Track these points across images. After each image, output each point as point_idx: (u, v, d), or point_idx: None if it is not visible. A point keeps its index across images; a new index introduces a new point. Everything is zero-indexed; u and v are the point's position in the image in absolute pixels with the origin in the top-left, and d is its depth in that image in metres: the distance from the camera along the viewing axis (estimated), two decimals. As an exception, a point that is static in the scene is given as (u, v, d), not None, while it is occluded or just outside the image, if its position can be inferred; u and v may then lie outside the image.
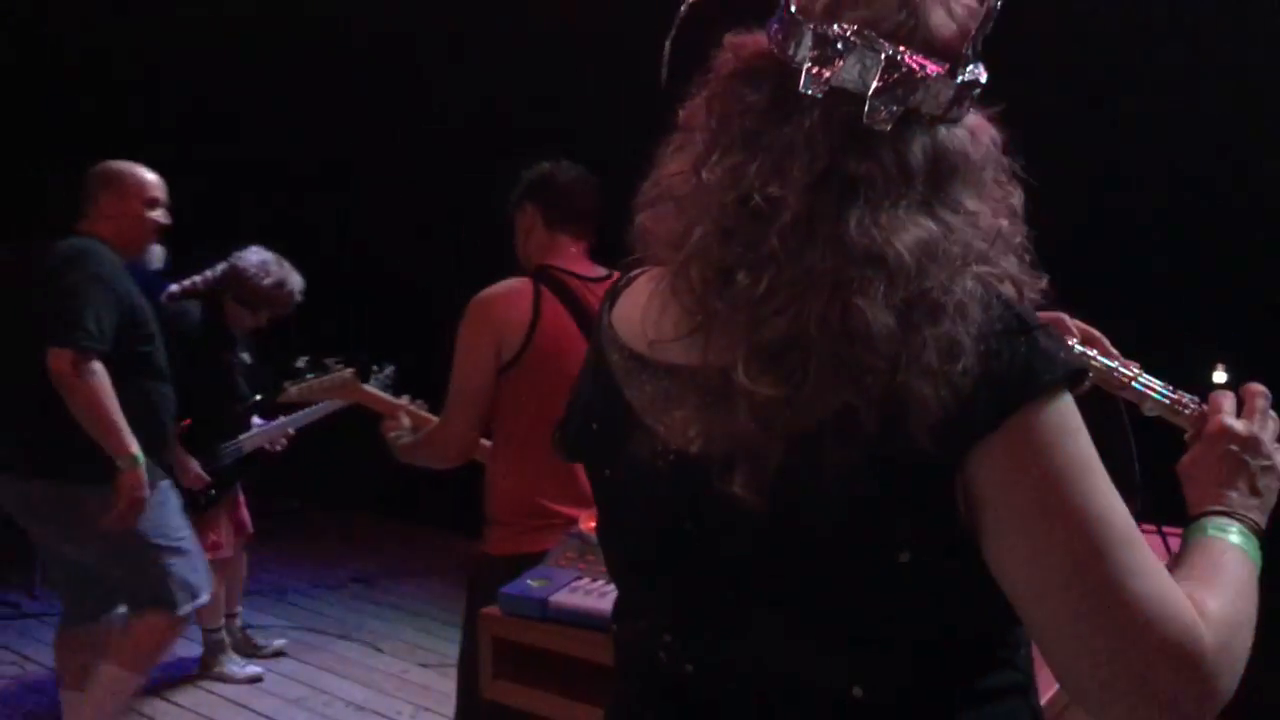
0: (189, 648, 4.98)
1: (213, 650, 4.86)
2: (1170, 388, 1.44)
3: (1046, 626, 1.03)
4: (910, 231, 1.03)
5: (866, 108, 1.05)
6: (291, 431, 4.71)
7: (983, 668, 1.15)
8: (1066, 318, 1.41)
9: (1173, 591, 1.03)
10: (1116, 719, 1.03)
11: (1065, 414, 1.04)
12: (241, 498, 4.92)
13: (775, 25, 1.11)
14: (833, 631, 1.11)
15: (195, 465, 4.49)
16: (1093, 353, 1.43)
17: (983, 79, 1.10)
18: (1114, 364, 1.44)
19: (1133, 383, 1.44)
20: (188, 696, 4.70)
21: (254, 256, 4.60)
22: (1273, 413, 1.35)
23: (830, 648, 1.11)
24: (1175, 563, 1.19)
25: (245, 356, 4.75)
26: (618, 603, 1.35)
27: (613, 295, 1.30)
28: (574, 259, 2.94)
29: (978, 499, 1.03)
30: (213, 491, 4.55)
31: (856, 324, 1.01)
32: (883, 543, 1.05)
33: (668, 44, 1.16)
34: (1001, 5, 1.09)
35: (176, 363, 4.20)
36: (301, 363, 3.47)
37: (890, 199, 1.04)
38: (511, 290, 2.84)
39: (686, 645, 1.20)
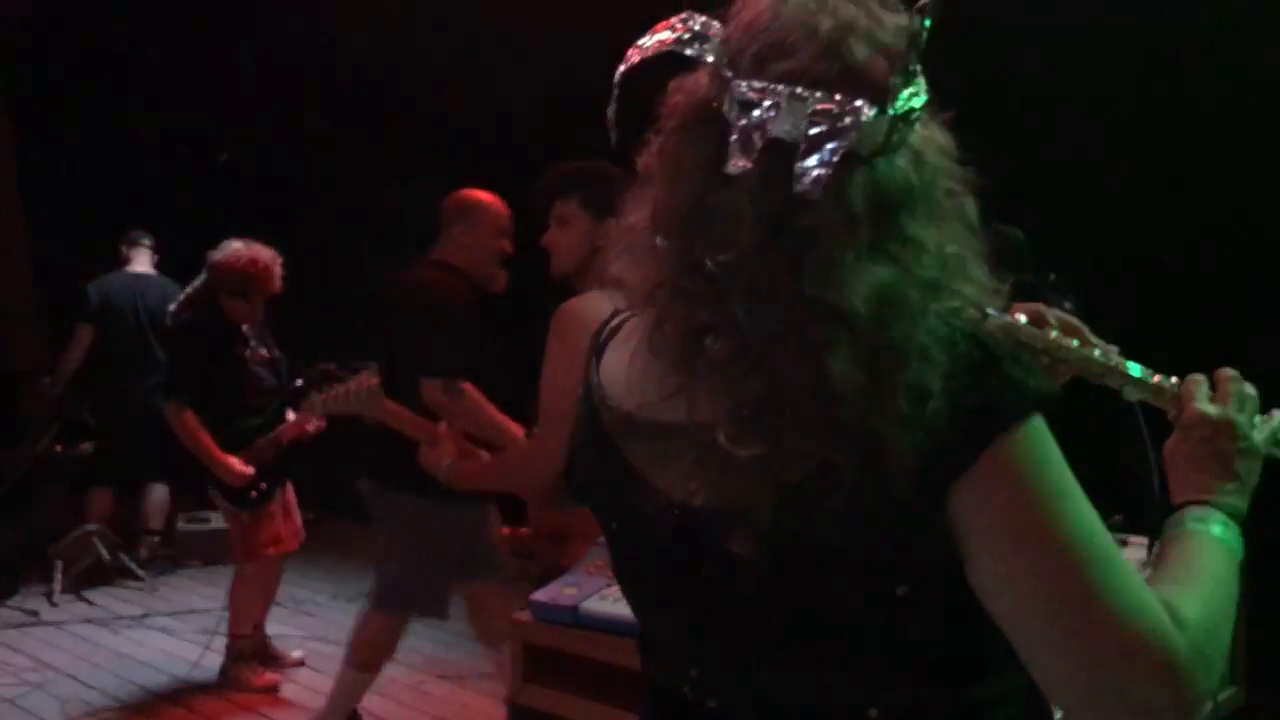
0: (209, 655, 5.02)
1: (235, 657, 4.89)
2: (1150, 371, 1.44)
3: (1028, 646, 1.07)
4: (864, 282, 1.03)
5: (798, 173, 1.02)
6: (323, 423, 4.80)
7: (992, 675, 1.18)
8: (1043, 308, 1.41)
9: (1148, 605, 1.05)
10: None
11: (1037, 441, 1.06)
12: (294, 500, 5.01)
13: (710, 77, 1.10)
14: (843, 661, 1.15)
15: (236, 462, 4.60)
16: (1073, 342, 1.42)
17: (919, 102, 1.08)
18: (1094, 352, 1.43)
19: (1112, 367, 1.44)
20: (205, 704, 4.74)
21: (223, 248, 4.75)
22: (1250, 389, 1.36)
23: (843, 676, 1.16)
24: (1156, 559, 1.23)
25: (263, 351, 4.87)
26: (642, 637, 1.37)
27: (598, 351, 1.32)
28: None
29: (959, 530, 1.06)
30: (263, 486, 4.67)
31: (826, 383, 1.03)
32: (879, 579, 1.09)
33: (610, 110, 1.17)
34: (930, 20, 1.06)
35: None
36: (330, 365, 3.45)
37: (839, 248, 1.04)
38: (604, 299, 2.77)
39: (708, 680, 1.24)
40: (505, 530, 3.03)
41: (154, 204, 6.94)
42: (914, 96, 1.07)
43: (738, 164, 1.04)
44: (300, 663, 5.13)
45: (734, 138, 1.05)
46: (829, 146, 1.03)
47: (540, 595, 2.24)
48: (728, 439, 1.06)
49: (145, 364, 6.32)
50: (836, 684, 1.16)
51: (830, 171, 1.02)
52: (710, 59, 1.11)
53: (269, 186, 7.26)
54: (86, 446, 6.56)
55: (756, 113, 1.05)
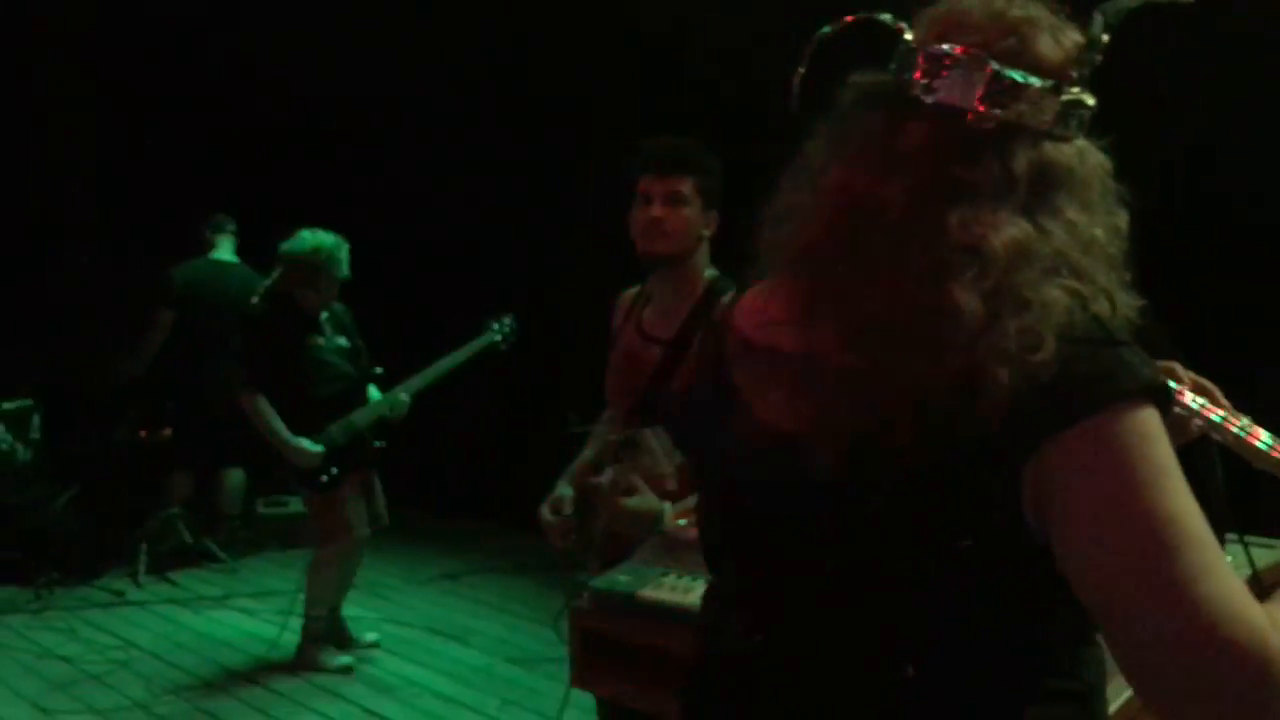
0: (287, 635, 5.13)
1: (311, 639, 5.00)
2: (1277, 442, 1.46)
3: (1114, 618, 1.05)
4: (1007, 230, 1.09)
5: (970, 108, 1.12)
6: (405, 398, 4.90)
7: (1041, 669, 1.19)
8: (1179, 367, 1.45)
9: (1243, 596, 1.03)
10: (1177, 713, 1.04)
11: (1146, 421, 1.07)
12: (379, 487, 5.08)
13: (896, 52, 1.19)
14: (893, 611, 1.16)
15: (306, 444, 4.70)
16: (1202, 402, 1.45)
17: (1090, 103, 1.16)
18: (1223, 416, 1.46)
19: (1242, 436, 1.45)
20: (283, 683, 4.86)
21: (292, 239, 4.83)
22: None
23: (889, 626, 1.17)
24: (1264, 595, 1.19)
25: (340, 339, 4.94)
26: (707, 569, 1.42)
27: (737, 293, 1.40)
28: None
29: (1049, 494, 1.06)
30: (334, 470, 4.75)
31: (945, 303, 1.07)
32: (945, 526, 1.10)
33: (798, 74, 1.24)
34: (1109, 40, 1.15)
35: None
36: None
37: (993, 203, 1.10)
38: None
39: (758, 616, 1.27)
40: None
41: (240, 190, 7.06)
42: (1084, 94, 1.15)
43: (917, 102, 1.14)
44: (374, 645, 5.23)
45: (917, 77, 1.15)
46: (1001, 101, 1.12)
47: (597, 582, 2.28)
48: (836, 350, 1.12)
49: (224, 351, 6.43)
50: (882, 634, 1.17)
51: (999, 134, 1.12)
52: (899, 30, 1.19)
53: (364, 171, 7.34)
54: (167, 431, 6.72)
55: (937, 65, 1.14)
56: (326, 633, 5.05)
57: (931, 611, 1.15)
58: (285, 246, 4.82)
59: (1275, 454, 1.45)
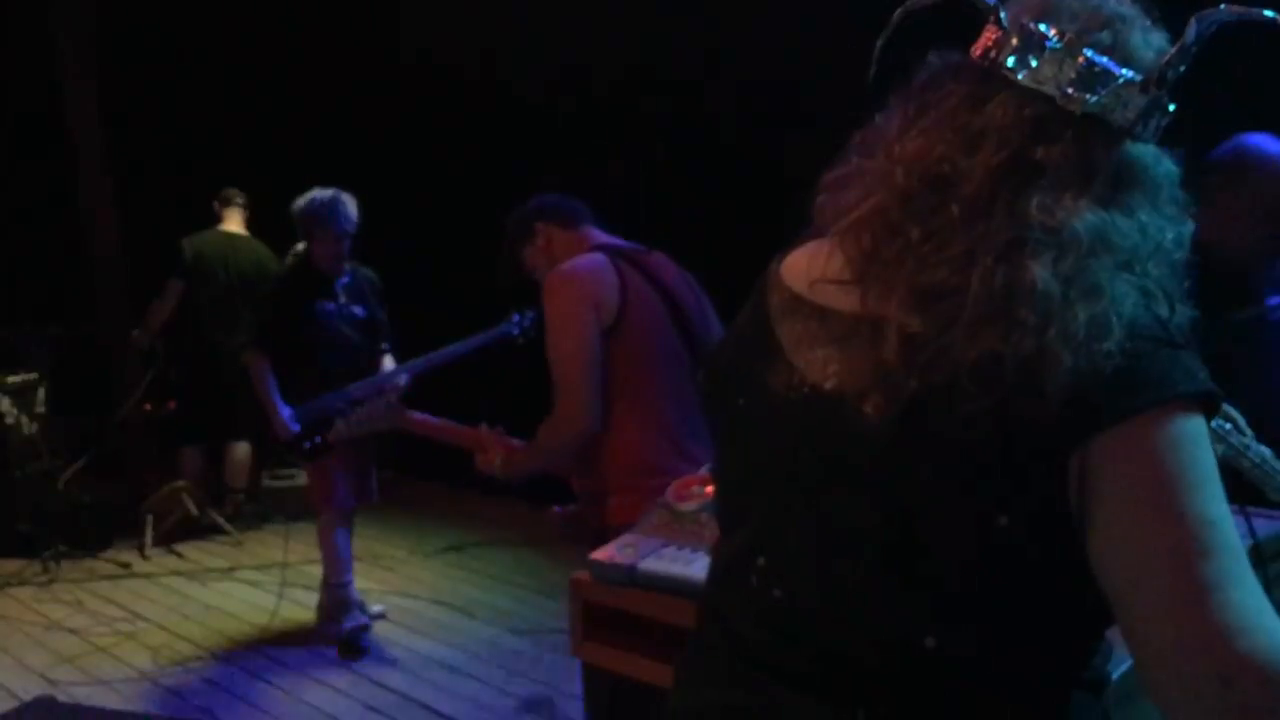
0: (286, 605, 5.15)
1: (332, 607, 4.96)
2: None
3: (1138, 615, 1.05)
4: (1087, 218, 1.09)
5: (1058, 92, 1.13)
6: (404, 379, 4.69)
7: (1059, 655, 1.18)
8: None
9: (1267, 610, 1.03)
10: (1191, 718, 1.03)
11: (1196, 425, 1.07)
12: (373, 462, 5.02)
13: (989, 28, 1.19)
14: (918, 580, 1.15)
15: (286, 416, 4.67)
16: (1227, 428, 1.47)
17: (1170, 109, 1.17)
18: (1244, 445, 1.48)
19: (1262, 465, 1.47)
20: (289, 654, 4.88)
21: None
22: None
23: (912, 595, 1.15)
24: None
25: (356, 309, 4.88)
26: (720, 522, 1.42)
27: (784, 252, 1.39)
28: (607, 240, 3.04)
29: (1093, 485, 1.06)
30: (317, 439, 4.65)
31: (1021, 279, 1.07)
32: (985, 501, 1.09)
33: (879, 45, 1.25)
34: (1196, 51, 1.15)
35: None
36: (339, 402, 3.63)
37: (1071, 190, 1.11)
38: (591, 259, 2.90)
39: (778, 571, 1.26)
40: (558, 510, 3.06)
41: (250, 162, 7.04)
42: (1168, 99, 1.16)
43: (1006, 76, 1.15)
44: (381, 616, 5.25)
45: (1013, 48, 1.16)
46: (1091, 86, 1.13)
47: (599, 554, 2.27)
48: (901, 312, 1.12)
49: (232, 323, 6.45)
50: (905, 601, 1.16)
51: (1083, 124, 1.13)
52: (995, 10, 1.20)
53: (409, 150, 7.30)
54: (173, 404, 6.73)
55: (1033, 41, 1.15)
56: (344, 601, 4.99)
57: (958, 585, 1.14)
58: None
59: None
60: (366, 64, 7.04)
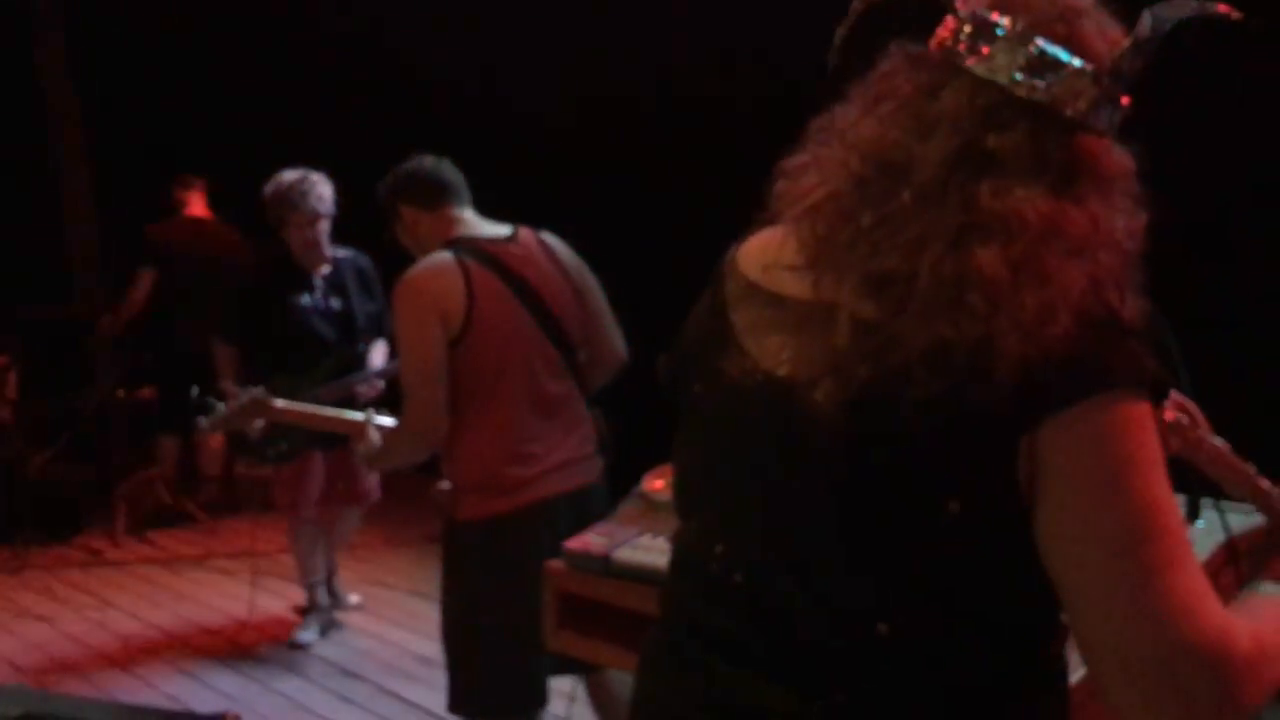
0: (262, 595, 5.13)
1: (308, 608, 4.95)
2: (1255, 470, 1.47)
3: (1081, 598, 1.07)
4: (1038, 205, 1.10)
5: (1009, 80, 1.13)
6: (381, 385, 4.44)
7: (1017, 643, 1.19)
8: (1173, 392, 1.47)
9: (1207, 594, 1.06)
10: (1133, 703, 1.05)
11: (1144, 412, 1.09)
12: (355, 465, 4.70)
13: (944, 23, 1.20)
14: (873, 566, 1.16)
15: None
16: (1184, 419, 1.48)
17: (1124, 103, 1.17)
18: (1201, 439, 1.49)
19: (1219, 461, 1.47)
20: (262, 643, 4.86)
21: None
22: None
23: (867, 581, 1.16)
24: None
25: (333, 302, 4.61)
26: (678, 509, 1.41)
27: (741, 239, 1.39)
28: (473, 224, 3.00)
29: (1040, 470, 1.08)
30: (283, 446, 4.45)
31: (970, 266, 1.08)
32: (936, 487, 1.10)
33: (840, 35, 1.25)
34: (1151, 45, 1.15)
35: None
36: (195, 393, 3.55)
37: (1023, 178, 1.11)
38: (438, 267, 2.85)
39: (737, 558, 1.26)
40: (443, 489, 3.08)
41: (217, 148, 6.98)
42: (1121, 92, 1.16)
43: (958, 63, 1.15)
44: (358, 606, 5.22)
45: (964, 37, 1.16)
46: (1041, 73, 1.13)
47: (573, 543, 2.27)
48: (853, 299, 1.13)
49: (204, 308, 6.41)
50: (859, 586, 1.17)
51: (1034, 113, 1.13)
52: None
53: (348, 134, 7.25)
54: (148, 391, 6.69)
55: (985, 31, 1.15)
56: (313, 604, 4.94)
57: (911, 571, 1.15)
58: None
59: (1247, 481, 1.46)
60: (349, 51, 6.99)
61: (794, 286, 1.23)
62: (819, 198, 1.20)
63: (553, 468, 2.88)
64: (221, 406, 3.51)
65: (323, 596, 5.00)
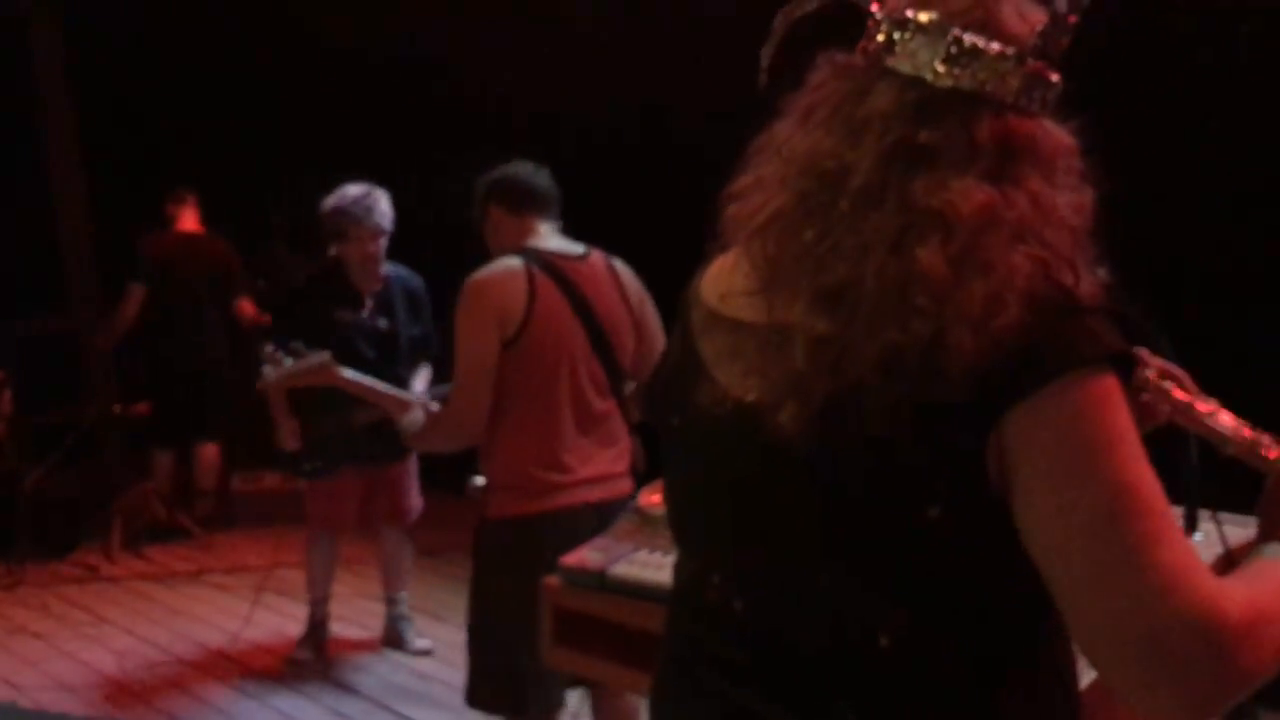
0: (260, 611, 5.11)
1: (311, 624, 4.89)
2: (1250, 426, 1.45)
3: (1066, 584, 1.06)
4: (974, 195, 1.09)
5: (931, 74, 1.13)
6: (417, 416, 4.13)
7: (1014, 645, 1.18)
8: (1146, 352, 1.45)
9: (1197, 565, 1.05)
10: (1130, 684, 1.04)
11: (1108, 389, 1.08)
12: (406, 482, 4.81)
13: (867, 31, 1.20)
14: (867, 581, 1.16)
15: (292, 429, 4.45)
16: (1169, 384, 1.45)
17: (1054, 81, 1.16)
18: (1191, 401, 1.46)
19: (1210, 421, 1.45)
20: (257, 659, 4.84)
21: None
22: None
23: (863, 597, 1.16)
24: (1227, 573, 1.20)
25: (381, 322, 4.46)
26: (675, 542, 1.43)
27: (704, 265, 1.39)
28: (550, 237, 3.08)
29: (1012, 459, 1.07)
30: (318, 463, 4.47)
31: (912, 267, 1.08)
32: (913, 494, 1.10)
33: (765, 53, 1.26)
34: (1074, 19, 1.15)
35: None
36: (270, 348, 3.51)
37: (958, 169, 1.10)
38: (506, 271, 2.96)
39: (733, 585, 1.26)
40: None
41: (209, 163, 6.97)
42: (1050, 70, 1.16)
43: (881, 65, 1.15)
44: (425, 652, 4.96)
45: (880, 38, 1.16)
46: (963, 63, 1.13)
47: (569, 559, 2.26)
48: (804, 316, 1.13)
49: (195, 323, 6.42)
50: (855, 603, 1.17)
51: (963, 102, 1.12)
52: (867, 3, 1.21)
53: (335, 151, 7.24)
54: (143, 406, 6.67)
55: (903, 30, 1.15)
56: (315, 622, 4.88)
57: (905, 581, 1.14)
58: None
59: (1242, 436, 1.44)
60: (346, 65, 6.98)
61: (750, 311, 1.23)
62: (764, 218, 1.20)
63: (584, 479, 2.97)
64: (289, 361, 3.51)
65: (323, 613, 4.95)
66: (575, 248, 3.11)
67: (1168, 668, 1.01)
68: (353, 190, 4.37)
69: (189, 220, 6.56)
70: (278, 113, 7.28)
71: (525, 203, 3.10)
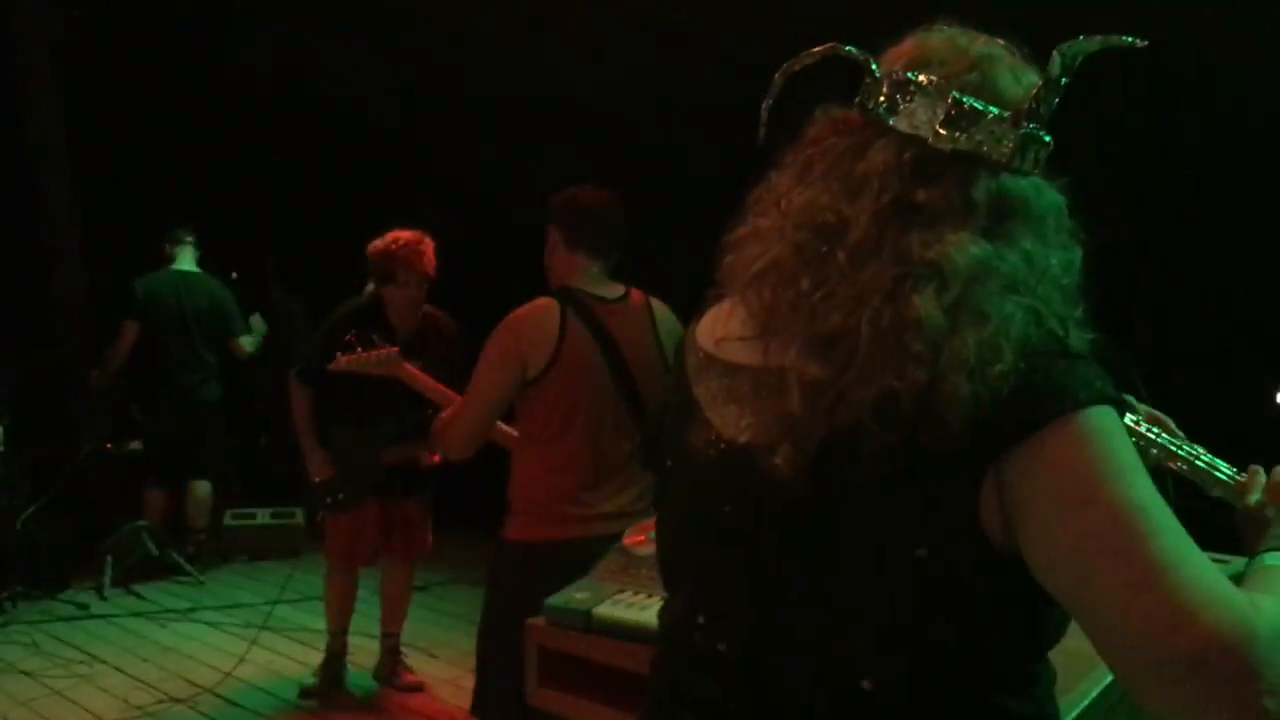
0: (255, 650, 5.09)
1: (327, 656, 4.92)
2: (1235, 470, 1.49)
3: (1098, 619, 1.04)
4: (969, 248, 1.12)
5: (931, 134, 1.16)
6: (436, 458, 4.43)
7: (999, 689, 1.19)
8: (1132, 399, 1.50)
9: (1222, 581, 1.03)
10: (1170, 706, 1.02)
11: (1105, 421, 1.09)
12: (422, 518, 4.85)
13: (863, 86, 1.23)
14: (851, 622, 1.17)
15: (321, 458, 4.55)
16: (1156, 431, 1.50)
17: (1047, 141, 1.20)
18: (1178, 445, 1.51)
19: (1196, 463, 1.49)
20: (247, 697, 4.83)
21: None
22: None
23: (847, 638, 1.18)
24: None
25: (415, 362, 4.20)
26: (664, 583, 1.45)
27: (700, 311, 1.42)
28: (594, 279, 3.12)
29: (1017, 502, 1.08)
30: (340, 496, 4.55)
31: (908, 315, 1.10)
32: (902, 535, 1.12)
33: (765, 107, 1.28)
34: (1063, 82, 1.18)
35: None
36: (351, 337, 3.70)
37: (953, 225, 1.14)
38: (540, 311, 3.03)
39: (718, 627, 1.28)
40: None
41: (204, 201, 7.01)
42: (1043, 131, 1.19)
43: (881, 125, 1.19)
44: (416, 688, 5.01)
45: (881, 100, 1.20)
46: (961, 125, 1.17)
47: (554, 600, 2.27)
48: (799, 361, 1.15)
49: (189, 361, 6.44)
50: (839, 646, 1.18)
51: (959, 163, 1.16)
52: (867, 62, 1.23)
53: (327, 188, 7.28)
54: (136, 444, 6.67)
55: (902, 91, 1.19)
56: (333, 653, 4.91)
57: (890, 623, 1.16)
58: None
59: (1235, 483, 1.48)
60: (336, 112, 7.04)
61: (746, 355, 1.26)
62: (761, 267, 1.23)
63: (603, 514, 3.03)
64: (359, 350, 3.68)
65: (342, 645, 4.96)
66: (615, 290, 3.14)
67: (1215, 685, 1.00)
68: (406, 235, 4.46)
69: (185, 259, 6.60)
70: (270, 154, 7.33)
71: (580, 241, 3.11)
